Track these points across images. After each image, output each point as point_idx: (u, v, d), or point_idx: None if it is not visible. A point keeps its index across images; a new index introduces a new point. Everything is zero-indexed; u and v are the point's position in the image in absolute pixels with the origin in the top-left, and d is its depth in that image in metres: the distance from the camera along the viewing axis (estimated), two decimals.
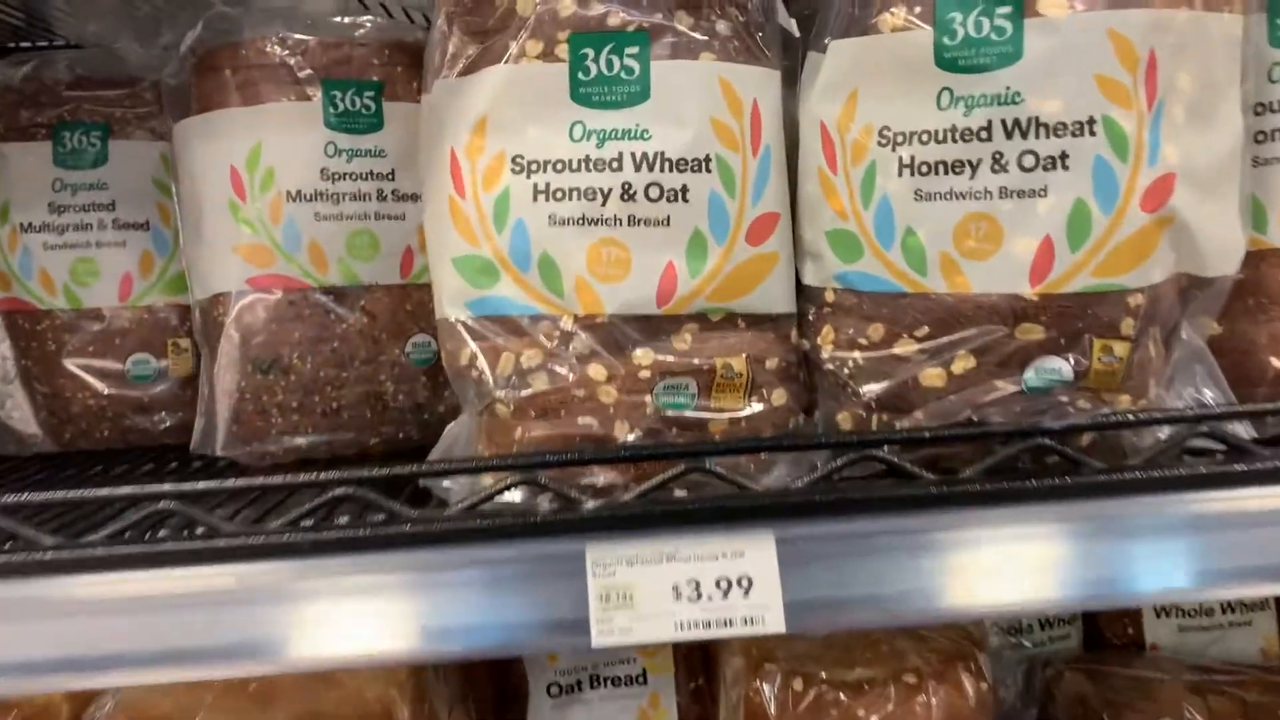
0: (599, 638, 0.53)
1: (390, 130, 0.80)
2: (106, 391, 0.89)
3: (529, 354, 0.59)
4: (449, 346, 0.62)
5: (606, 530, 0.55)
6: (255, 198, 0.78)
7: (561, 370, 0.59)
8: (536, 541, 0.55)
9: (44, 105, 0.89)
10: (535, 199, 0.58)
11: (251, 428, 0.79)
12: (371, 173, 0.80)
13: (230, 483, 0.56)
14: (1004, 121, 0.55)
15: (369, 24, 0.82)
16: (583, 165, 0.58)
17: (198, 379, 0.91)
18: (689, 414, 0.60)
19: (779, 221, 0.61)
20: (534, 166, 0.58)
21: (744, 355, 0.60)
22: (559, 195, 0.58)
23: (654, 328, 0.59)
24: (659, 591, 0.53)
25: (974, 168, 0.56)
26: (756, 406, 0.61)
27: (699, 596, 0.53)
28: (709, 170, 0.58)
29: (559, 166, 0.58)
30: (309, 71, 0.79)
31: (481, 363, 0.60)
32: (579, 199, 0.58)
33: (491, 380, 0.60)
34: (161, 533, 0.59)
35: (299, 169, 0.78)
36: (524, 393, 0.59)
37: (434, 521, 0.54)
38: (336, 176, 0.79)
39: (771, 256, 0.60)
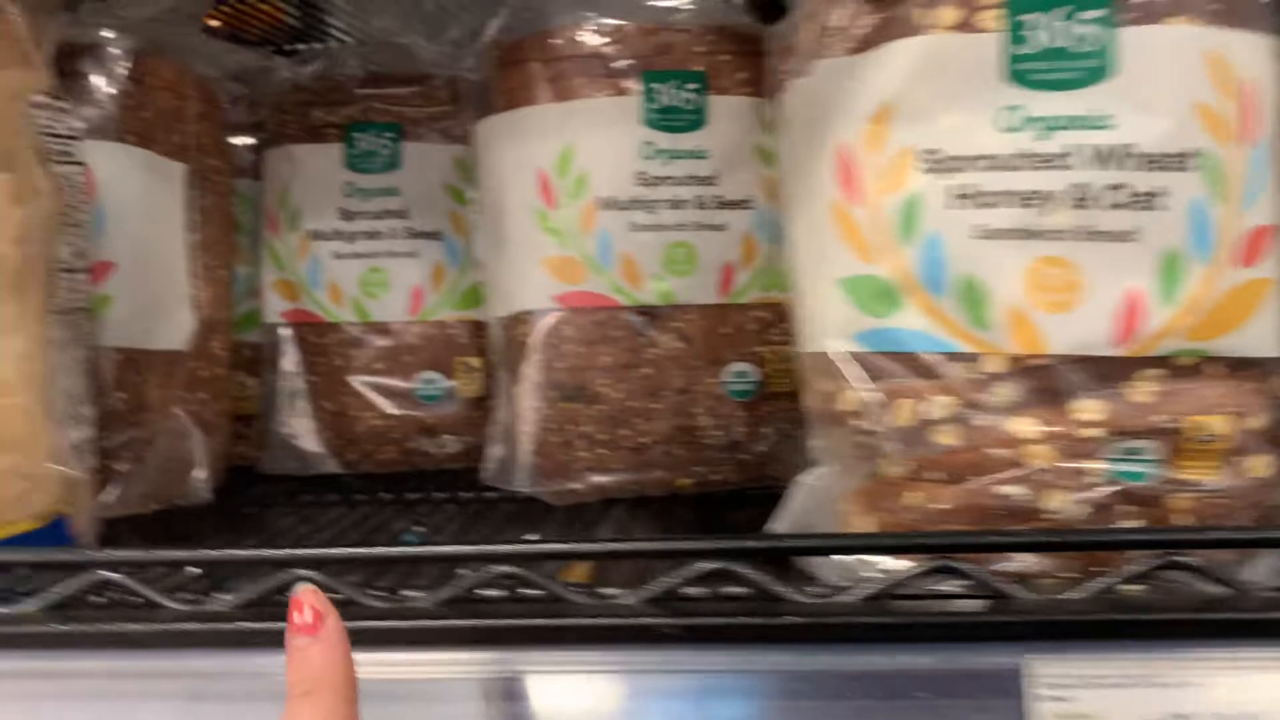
0: None
1: (713, 128, 0.70)
2: (393, 411, 0.83)
3: (938, 401, 0.47)
4: (823, 386, 0.51)
5: (1050, 639, 0.42)
6: (565, 205, 0.69)
7: (980, 423, 0.46)
8: (957, 649, 0.42)
9: (336, 104, 0.84)
10: (954, 205, 0.46)
11: (554, 462, 0.71)
12: (692, 176, 0.70)
13: (581, 546, 0.46)
14: None
15: (690, 7, 0.72)
16: (1020, 162, 0.45)
17: (486, 401, 0.84)
18: (1142, 485, 0.46)
19: (1272, 236, 0.46)
20: (953, 164, 0.46)
21: (1226, 412, 0.45)
22: (987, 201, 0.45)
23: (1105, 373, 0.45)
24: None
25: None
26: (1231, 479, 0.46)
27: None
28: (1191, 169, 0.44)
29: (986, 164, 0.45)
30: (627, 62, 0.70)
31: (871, 409, 0.48)
32: (1014, 205, 0.45)
33: (883, 432, 0.48)
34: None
35: (614, 173, 0.69)
36: (925, 450, 0.47)
37: (830, 614, 0.43)
38: (654, 181, 0.69)
39: (1262, 284, 0.46)
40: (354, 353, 0.83)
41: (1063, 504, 0.45)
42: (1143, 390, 0.45)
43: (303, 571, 0.45)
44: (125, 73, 0.72)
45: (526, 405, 0.71)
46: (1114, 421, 0.45)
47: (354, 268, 0.83)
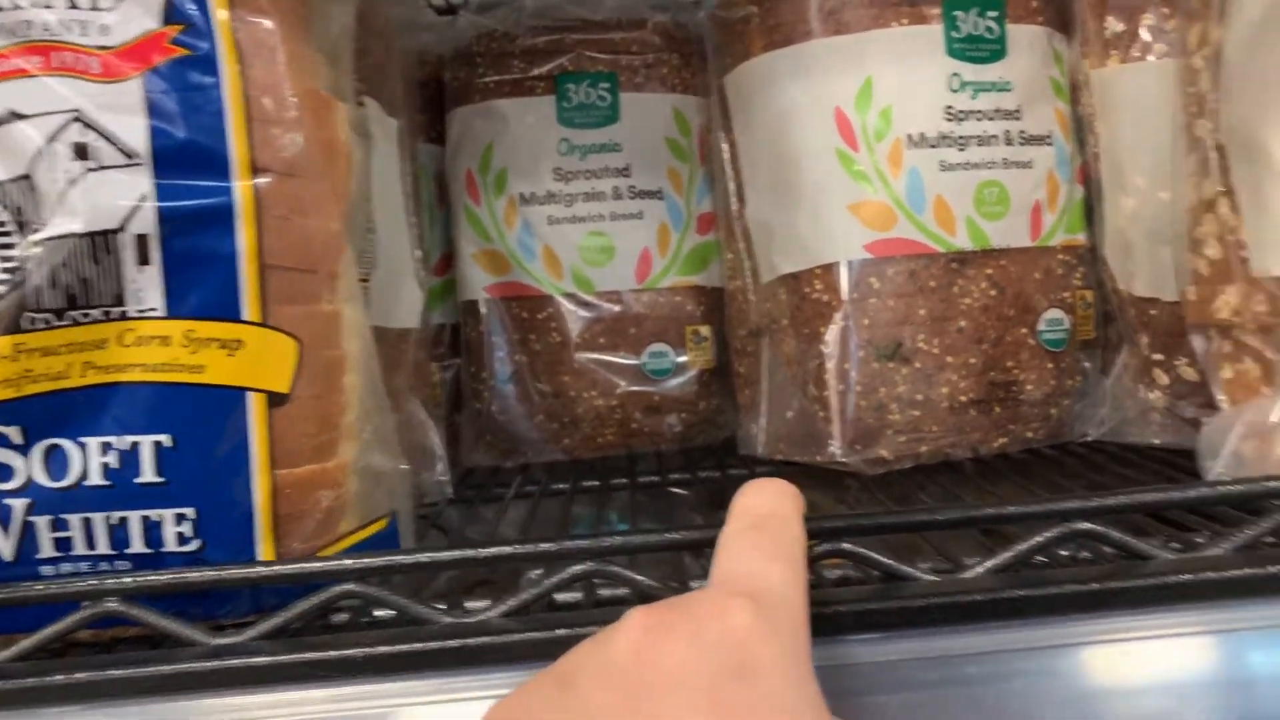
0: None
1: (1014, 59, 0.65)
2: (620, 389, 0.76)
3: None
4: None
5: None
6: (870, 146, 0.63)
7: None
8: None
9: (541, 53, 0.76)
10: None
11: (864, 428, 0.64)
12: (998, 110, 0.65)
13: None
14: None
15: None
16: None
17: (715, 373, 0.77)
18: None
19: None
20: None
21: None
22: None
23: None
24: None
25: None
26: None
27: None
28: None
29: None
30: None
31: None
32: None
33: None
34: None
35: (921, 108, 0.63)
36: None
37: None
38: (962, 116, 0.64)
39: None
40: (574, 328, 0.75)
41: None
42: None
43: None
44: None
45: (834, 368, 0.64)
46: None
47: (573, 233, 0.75)
